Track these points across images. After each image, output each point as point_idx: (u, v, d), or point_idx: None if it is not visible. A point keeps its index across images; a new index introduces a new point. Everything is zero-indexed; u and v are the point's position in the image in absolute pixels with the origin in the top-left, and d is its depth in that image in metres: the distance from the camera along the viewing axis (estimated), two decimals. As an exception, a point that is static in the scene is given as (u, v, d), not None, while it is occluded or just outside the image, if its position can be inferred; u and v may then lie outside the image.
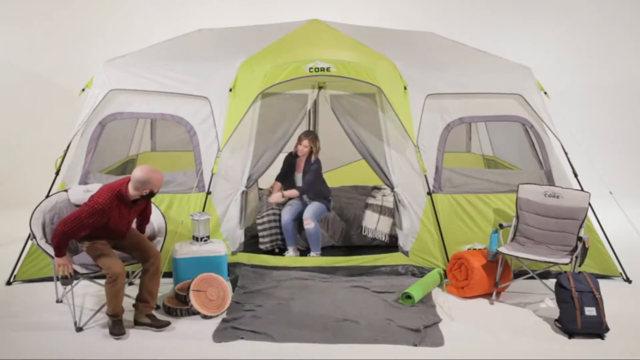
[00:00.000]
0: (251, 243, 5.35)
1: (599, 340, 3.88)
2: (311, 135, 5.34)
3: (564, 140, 5.25)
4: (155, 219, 4.38)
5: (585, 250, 4.38)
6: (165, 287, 4.63)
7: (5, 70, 8.13)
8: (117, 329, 3.85)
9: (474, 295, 4.53)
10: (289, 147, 5.36)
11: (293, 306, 4.26)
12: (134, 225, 4.20)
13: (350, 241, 5.47)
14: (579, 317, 3.87)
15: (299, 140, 5.31)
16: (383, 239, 5.39)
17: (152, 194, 3.92)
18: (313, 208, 5.25)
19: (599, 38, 8.80)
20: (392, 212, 5.26)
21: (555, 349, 3.78)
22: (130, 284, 4.43)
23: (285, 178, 5.51)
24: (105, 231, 3.89)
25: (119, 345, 3.74)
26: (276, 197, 5.30)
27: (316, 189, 5.36)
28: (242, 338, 3.82)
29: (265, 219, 5.32)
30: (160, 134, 6.63)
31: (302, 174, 5.37)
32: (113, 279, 3.76)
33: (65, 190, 4.36)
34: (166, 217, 4.49)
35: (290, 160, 5.47)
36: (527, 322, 4.17)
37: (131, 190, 3.83)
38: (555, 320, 4.08)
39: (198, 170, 4.82)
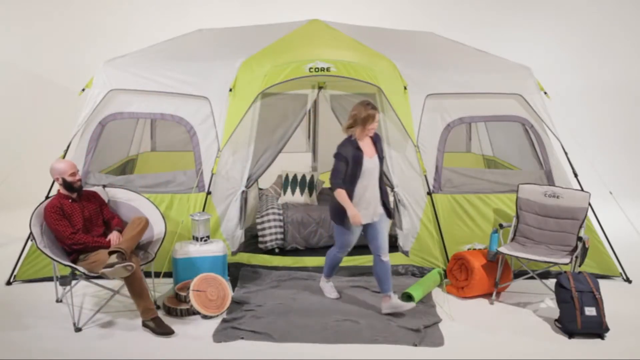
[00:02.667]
0: (251, 243, 5.35)
1: (599, 340, 3.88)
2: (371, 104, 4.02)
3: (564, 140, 5.25)
4: (155, 219, 4.38)
5: (585, 250, 4.38)
6: (165, 287, 4.65)
7: (5, 70, 8.14)
8: (160, 328, 3.85)
9: (474, 295, 4.53)
10: (289, 147, 5.34)
11: (293, 306, 4.26)
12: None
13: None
14: (579, 317, 3.87)
15: (371, 118, 3.96)
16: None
17: (67, 184, 4.08)
18: (386, 230, 4.23)
19: (599, 38, 8.81)
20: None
21: (555, 349, 3.78)
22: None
23: (353, 177, 4.02)
24: (81, 237, 4.00)
25: (118, 345, 3.74)
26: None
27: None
28: (242, 338, 3.82)
29: (265, 219, 5.32)
30: (160, 134, 6.64)
31: (373, 156, 4.09)
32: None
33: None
34: (166, 217, 4.50)
35: (355, 151, 4.00)
36: (527, 322, 4.17)
37: (60, 188, 4.15)
38: (555, 320, 4.08)
39: (198, 170, 4.82)
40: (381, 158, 4.14)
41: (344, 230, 4.13)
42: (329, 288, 4.52)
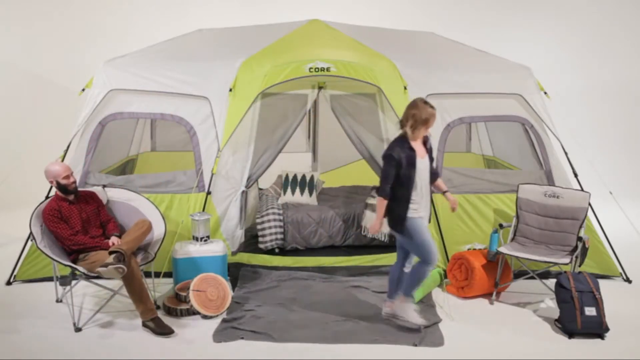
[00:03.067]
0: (251, 243, 5.35)
1: (599, 340, 3.88)
2: (429, 102, 3.77)
3: (564, 140, 5.25)
4: (155, 219, 4.38)
5: (585, 250, 4.38)
6: (165, 287, 4.65)
7: (5, 70, 8.14)
8: (160, 328, 3.85)
9: (474, 295, 4.53)
10: (289, 147, 5.33)
11: (293, 306, 4.26)
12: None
13: (350, 241, 5.47)
14: (579, 317, 3.87)
15: (432, 118, 3.72)
16: (383, 239, 5.38)
17: (61, 186, 4.06)
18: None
19: (599, 38, 8.81)
20: (392, 212, 5.26)
21: (555, 349, 3.78)
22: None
23: (409, 179, 3.73)
24: (80, 238, 4.02)
25: (118, 345, 3.74)
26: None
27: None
28: (242, 338, 3.82)
29: (265, 219, 5.32)
30: (160, 134, 6.64)
31: (424, 157, 3.83)
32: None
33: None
34: (166, 217, 4.50)
35: (408, 152, 3.72)
36: (527, 322, 4.17)
37: (57, 191, 4.14)
38: (555, 320, 4.09)
39: (198, 170, 4.82)
40: (431, 159, 3.90)
41: (415, 236, 3.74)
42: (412, 311, 3.95)
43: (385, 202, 3.74)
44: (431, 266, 3.80)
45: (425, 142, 3.88)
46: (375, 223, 3.80)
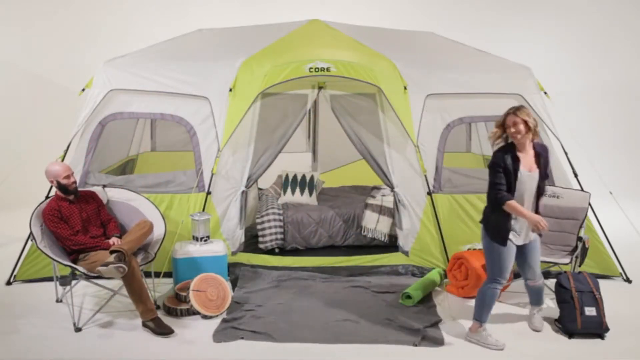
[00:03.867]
0: (251, 243, 5.35)
1: (599, 340, 3.88)
2: (520, 109, 3.57)
3: (564, 140, 5.25)
4: (155, 219, 4.38)
5: (585, 250, 4.38)
6: (165, 287, 4.65)
7: (5, 70, 8.14)
8: (160, 328, 3.85)
9: (474, 295, 4.51)
10: (289, 147, 5.33)
11: (293, 306, 4.26)
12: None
13: (350, 241, 5.47)
14: (579, 317, 3.87)
15: (506, 118, 3.58)
16: (382, 239, 5.38)
17: (62, 186, 4.07)
18: (539, 252, 3.86)
19: (599, 38, 8.81)
20: (392, 212, 5.26)
21: (555, 349, 3.78)
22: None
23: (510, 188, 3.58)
24: (80, 238, 4.03)
25: (118, 345, 3.74)
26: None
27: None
28: (242, 338, 3.82)
29: (265, 219, 5.32)
30: (160, 134, 6.64)
31: (533, 170, 3.61)
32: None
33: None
34: (166, 217, 4.50)
35: (511, 160, 3.55)
36: (527, 322, 4.16)
37: (57, 191, 4.15)
38: (555, 320, 4.09)
39: (198, 170, 4.82)
40: (544, 174, 3.65)
41: (500, 253, 3.61)
42: (492, 339, 3.79)
43: (514, 201, 3.52)
44: (499, 286, 3.71)
45: (539, 155, 3.65)
46: (535, 219, 3.54)
